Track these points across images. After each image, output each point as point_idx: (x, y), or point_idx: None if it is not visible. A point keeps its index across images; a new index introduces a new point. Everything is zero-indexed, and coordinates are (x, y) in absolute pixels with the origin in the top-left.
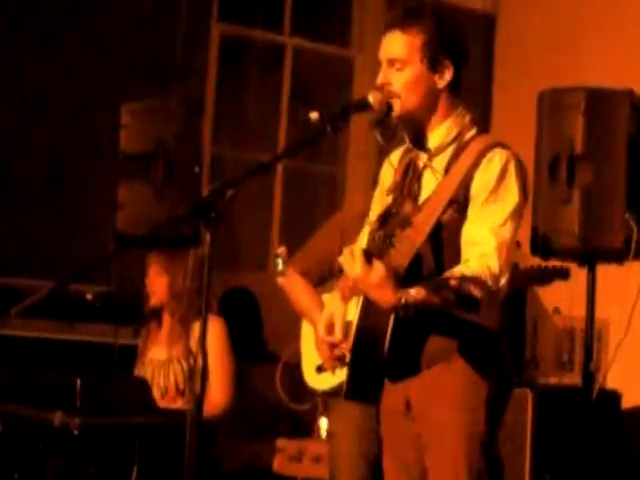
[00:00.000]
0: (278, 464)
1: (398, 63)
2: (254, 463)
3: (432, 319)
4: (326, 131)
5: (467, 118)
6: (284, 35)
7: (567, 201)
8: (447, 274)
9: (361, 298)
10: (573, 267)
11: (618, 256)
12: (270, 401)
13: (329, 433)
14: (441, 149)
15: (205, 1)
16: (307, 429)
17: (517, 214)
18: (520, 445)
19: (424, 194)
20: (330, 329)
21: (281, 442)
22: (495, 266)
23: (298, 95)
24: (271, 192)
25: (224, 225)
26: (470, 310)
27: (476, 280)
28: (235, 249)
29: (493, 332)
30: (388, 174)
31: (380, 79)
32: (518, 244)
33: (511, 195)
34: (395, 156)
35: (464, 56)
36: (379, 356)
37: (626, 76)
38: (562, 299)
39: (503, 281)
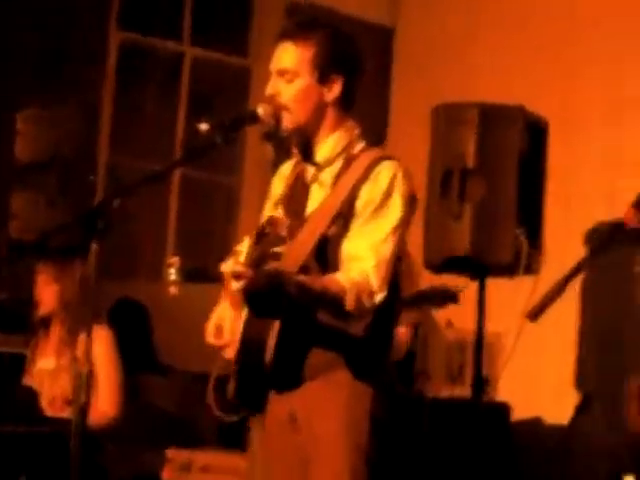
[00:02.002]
0: (167, 474)
1: (288, 74)
2: (143, 473)
3: (314, 330)
4: (216, 142)
5: (356, 131)
6: (183, 44)
7: (458, 216)
8: (326, 278)
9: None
10: (465, 281)
11: (508, 270)
12: (160, 411)
13: (248, 448)
14: (329, 162)
15: (104, 9)
16: (199, 439)
17: (399, 229)
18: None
19: (311, 207)
20: (218, 333)
21: (170, 452)
22: (373, 283)
23: (196, 104)
24: (167, 202)
25: (119, 235)
26: (337, 317)
27: (350, 293)
28: (130, 259)
29: (378, 344)
30: (278, 186)
31: (269, 89)
32: (400, 258)
33: (395, 211)
34: (287, 168)
35: (356, 71)
36: (262, 366)
37: (518, 92)
38: (455, 312)
39: (379, 298)
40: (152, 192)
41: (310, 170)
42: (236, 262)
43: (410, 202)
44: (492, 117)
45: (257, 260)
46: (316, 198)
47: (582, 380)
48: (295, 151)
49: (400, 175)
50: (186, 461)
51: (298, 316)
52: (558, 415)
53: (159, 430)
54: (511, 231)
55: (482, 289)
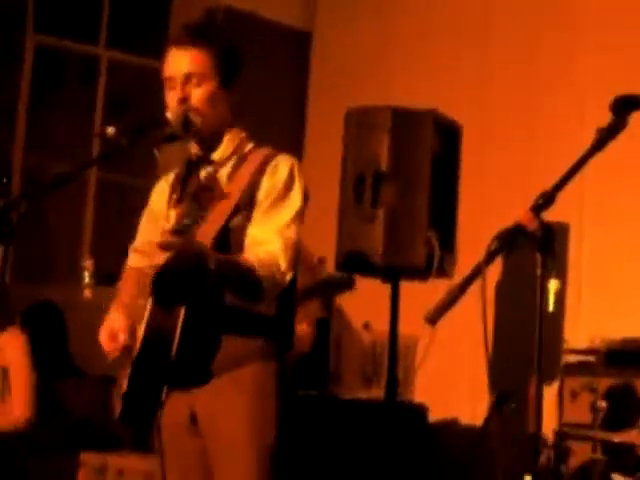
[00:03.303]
0: (81, 478)
1: (195, 78)
2: (58, 477)
3: (222, 316)
4: (122, 145)
5: (243, 133)
6: (99, 47)
7: (371, 220)
8: (240, 257)
9: (150, 301)
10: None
11: (421, 273)
12: (75, 414)
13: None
14: (225, 160)
15: (20, 12)
16: (114, 442)
17: (300, 217)
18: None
19: (209, 204)
20: (112, 337)
21: (85, 456)
22: (282, 263)
23: (113, 106)
24: (82, 204)
25: (34, 238)
26: (251, 297)
27: (264, 270)
28: (45, 262)
29: (285, 340)
30: (158, 200)
31: (178, 94)
32: (321, 260)
33: (295, 199)
34: (165, 181)
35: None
36: (168, 359)
37: (432, 96)
38: (372, 315)
39: (288, 278)
40: (68, 195)
41: (207, 168)
42: (163, 233)
43: (306, 195)
44: (405, 121)
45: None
46: (214, 194)
47: (494, 382)
48: (196, 150)
49: (297, 167)
50: (101, 465)
51: (208, 299)
52: (474, 416)
53: (73, 434)
54: (424, 235)
55: (395, 292)
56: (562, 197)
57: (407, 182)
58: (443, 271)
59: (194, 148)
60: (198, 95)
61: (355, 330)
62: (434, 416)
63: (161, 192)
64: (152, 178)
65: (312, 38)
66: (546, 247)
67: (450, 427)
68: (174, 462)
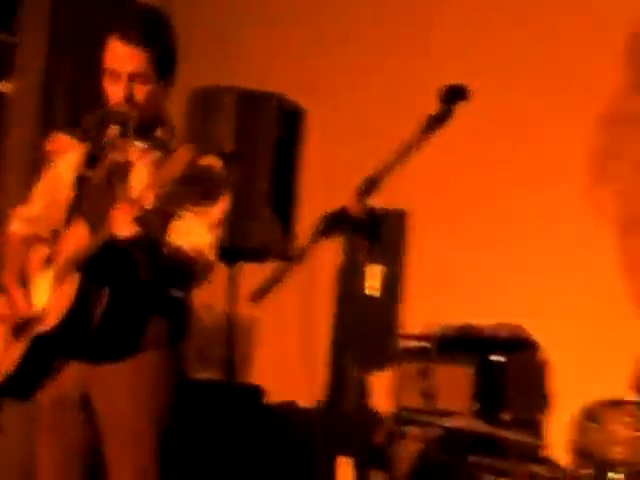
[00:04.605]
0: None
1: (141, 78)
2: None
3: (138, 305)
4: None
5: (174, 130)
6: None
7: None
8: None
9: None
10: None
11: (261, 256)
12: None
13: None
14: (152, 149)
15: None
16: None
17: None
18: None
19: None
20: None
21: None
22: (210, 256)
23: None
24: None
25: None
26: (182, 283)
27: (197, 257)
28: None
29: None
30: (68, 163)
31: (125, 90)
32: None
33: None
34: (72, 157)
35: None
36: (87, 330)
37: (278, 79)
38: (213, 296)
39: (213, 270)
40: None
41: (134, 154)
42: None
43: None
44: (249, 103)
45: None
46: (136, 180)
47: (331, 365)
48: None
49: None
50: None
51: (135, 280)
52: (311, 399)
53: None
54: (264, 217)
55: (235, 274)
56: (400, 183)
57: (249, 164)
58: (283, 253)
59: (114, 130)
60: (143, 93)
61: (195, 310)
62: (273, 398)
63: (68, 163)
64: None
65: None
66: (370, 232)
67: (287, 409)
68: (57, 439)
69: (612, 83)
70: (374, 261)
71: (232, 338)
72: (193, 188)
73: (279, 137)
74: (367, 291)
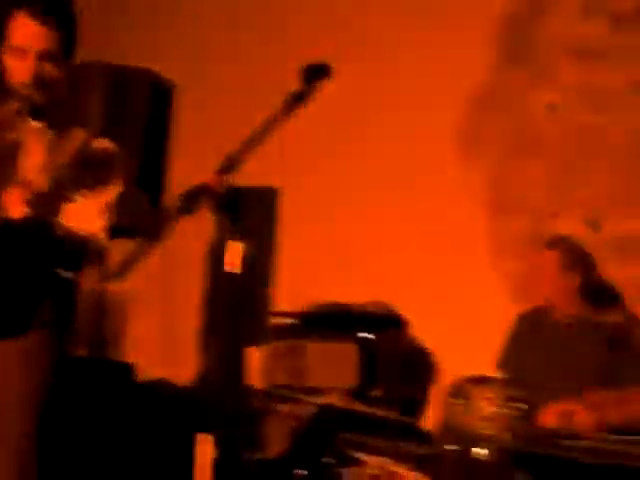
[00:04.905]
0: None
1: (49, 55)
2: None
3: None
4: None
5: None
6: None
7: None
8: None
9: None
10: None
11: (129, 232)
12: None
13: None
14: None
15: None
16: None
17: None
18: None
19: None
20: None
21: None
22: (103, 224)
23: None
24: None
25: None
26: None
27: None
28: None
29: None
30: None
31: (33, 69)
32: None
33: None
34: None
35: None
36: None
37: (150, 55)
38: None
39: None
40: None
41: (30, 133)
42: None
43: None
44: (118, 78)
45: None
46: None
47: (203, 342)
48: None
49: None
50: None
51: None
52: (186, 377)
53: None
54: (133, 194)
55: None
56: (271, 162)
57: (120, 141)
58: (151, 230)
59: (12, 106)
60: (50, 73)
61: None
62: (146, 376)
63: None
64: None
65: None
66: (231, 208)
67: (158, 386)
68: None
69: (479, 65)
70: (236, 238)
71: (102, 315)
72: (86, 171)
73: (149, 113)
74: (226, 268)
